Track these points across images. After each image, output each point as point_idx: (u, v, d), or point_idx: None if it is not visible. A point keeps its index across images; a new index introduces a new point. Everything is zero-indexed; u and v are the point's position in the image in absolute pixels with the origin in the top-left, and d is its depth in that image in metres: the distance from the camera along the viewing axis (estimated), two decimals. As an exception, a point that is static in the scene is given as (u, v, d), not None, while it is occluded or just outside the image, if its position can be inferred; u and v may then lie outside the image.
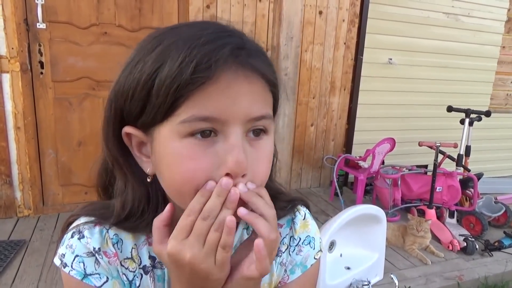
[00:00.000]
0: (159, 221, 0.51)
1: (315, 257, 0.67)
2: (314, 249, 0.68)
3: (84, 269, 0.56)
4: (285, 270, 0.66)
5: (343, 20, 3.53)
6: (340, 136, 3.86)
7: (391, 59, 3.80)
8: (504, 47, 4.38)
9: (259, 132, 0.51)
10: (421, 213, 3.17)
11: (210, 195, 0.46)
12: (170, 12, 2.93)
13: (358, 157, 3.48)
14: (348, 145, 3.88)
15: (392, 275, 2.24)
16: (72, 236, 0.57)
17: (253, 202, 0.48)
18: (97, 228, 0.58)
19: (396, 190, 3.27)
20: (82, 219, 0.59)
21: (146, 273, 0.60)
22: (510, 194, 4.04)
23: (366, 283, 2.18)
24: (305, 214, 0.69)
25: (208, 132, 0.48)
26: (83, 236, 0.57)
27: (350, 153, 3.81)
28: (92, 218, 0.59)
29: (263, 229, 0.47)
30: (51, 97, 2.75)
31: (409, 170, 3.40)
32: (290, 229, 0.67)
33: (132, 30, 2.86)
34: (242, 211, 0.47)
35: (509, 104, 4.66)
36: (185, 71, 0.45)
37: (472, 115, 3.28)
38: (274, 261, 0.64)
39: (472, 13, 4.07)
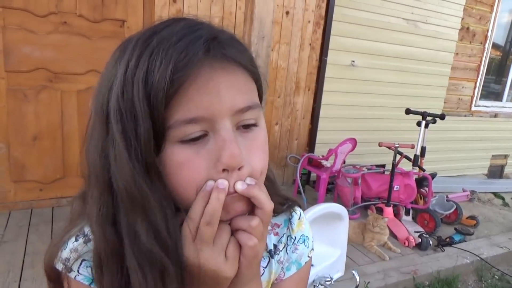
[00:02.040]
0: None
1: (309, 255, 0.70)
2: (308, 247, 0.70)
3: (92, 273, 0.53)
4: (282, 268, 0.68)
5: (309, 21, 3.58)
6: (303, 136, 3.92)
7: (354, 61, 3.91)
8: (457, 53, 4.64)
9: (249, 125, 0.50)
10: (380, 211, 3.28)
11: (210, 195, 0.46)
12: (134, 5, 2.83)
13: (320, 157, 3.55)
14: (311, 144, 3.95)
15: (353, 271, 2.30)
16: (76, 240, 0.54)
17: (256, 196, 0.48)
18: None
19: (357, 188, 3.37)
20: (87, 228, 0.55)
21: None
22: (460, 192, 4.30)
23: (328, 279, 2.23)
24: (300, 214, 0.71)
25: (198, 137, 0.47)
26: (89, 240, 0.53)
27: (313, 152, 3.88)
28: None
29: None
30: (3, 88, 2.58)
31: (369, 169, 3.51)
32: (287, 229, 0.69)
33: (94, 21, 2.73)
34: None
35: (460, 107, 4.95)
36: (164, 75, 0.44)
37: (428, 118, 3.43)
38: (272, 259, 0.66)
39: (429, 20, 4.27)
